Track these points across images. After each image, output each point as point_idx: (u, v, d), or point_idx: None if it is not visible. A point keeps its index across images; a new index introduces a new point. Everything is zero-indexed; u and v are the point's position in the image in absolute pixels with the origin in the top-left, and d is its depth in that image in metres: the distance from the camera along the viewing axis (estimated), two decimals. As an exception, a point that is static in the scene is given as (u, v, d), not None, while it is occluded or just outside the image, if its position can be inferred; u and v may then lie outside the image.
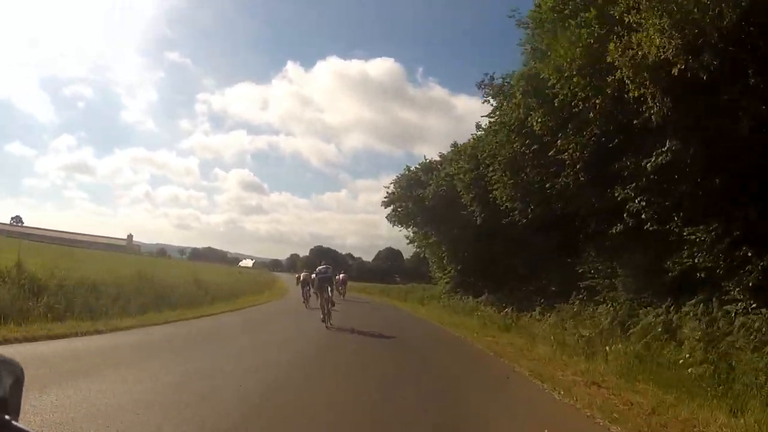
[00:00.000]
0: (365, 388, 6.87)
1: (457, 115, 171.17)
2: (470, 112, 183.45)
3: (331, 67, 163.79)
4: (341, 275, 23.36)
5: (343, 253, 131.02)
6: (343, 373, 7.90)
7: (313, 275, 16.65)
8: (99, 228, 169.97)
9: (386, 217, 32.39)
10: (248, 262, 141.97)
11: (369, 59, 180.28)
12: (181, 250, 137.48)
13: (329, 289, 14.51)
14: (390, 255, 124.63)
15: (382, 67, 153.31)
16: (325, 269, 15.09)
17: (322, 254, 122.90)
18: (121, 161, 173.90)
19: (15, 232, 62.53)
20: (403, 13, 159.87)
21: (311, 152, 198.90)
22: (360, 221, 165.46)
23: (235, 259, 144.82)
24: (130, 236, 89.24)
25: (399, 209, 31.82)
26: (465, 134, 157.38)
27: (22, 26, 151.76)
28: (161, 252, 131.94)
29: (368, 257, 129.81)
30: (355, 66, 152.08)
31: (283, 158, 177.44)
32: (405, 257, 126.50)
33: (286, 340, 11.64)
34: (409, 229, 32.44)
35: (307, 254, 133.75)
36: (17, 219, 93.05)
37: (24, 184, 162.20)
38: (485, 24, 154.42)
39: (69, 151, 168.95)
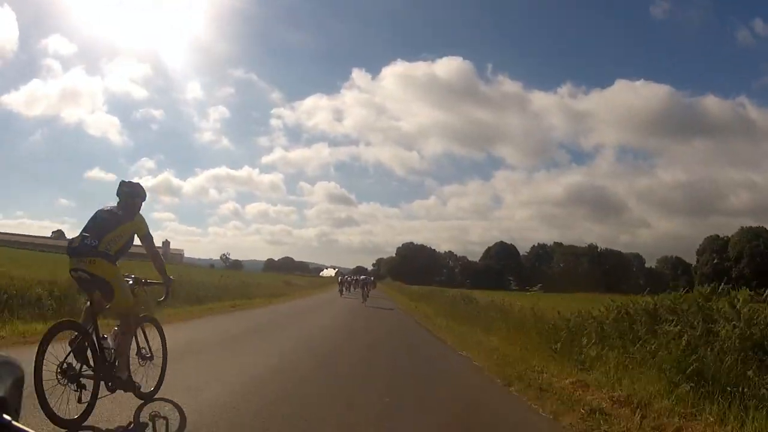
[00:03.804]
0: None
1: (533, 112, 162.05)
2: (546, 109, 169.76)
3: (397, 71, 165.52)
4: (370, 280, 33.42)
5: (442, 252, 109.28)
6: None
7: (358, 278, 36.53)
8: (191, 248, 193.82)
9: None
10: (330, 271, 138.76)
11: (435, 59, 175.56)
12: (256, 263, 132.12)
13: (366, 287, 28.92)
14: (502, 252, 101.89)
15: (450, 66, 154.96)
16: (366, 277, 32.91)
17: (410, 254, 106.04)
18: (205, 181, 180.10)
19: (52, 246, 61.39)
20: (465, 8, 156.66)
21: (393, 161, 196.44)
22: (451, 227, 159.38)
23: (318, 269, 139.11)
24: (166, 243, 78.97)
25: None
26: (543, 132, 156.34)
27: (82, 50, 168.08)
28: (236, 264, 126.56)
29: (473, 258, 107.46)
30: (422, 68, 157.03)
31: (366, 168, 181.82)
32: (522, 253, 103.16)
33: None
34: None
35: (394, 255, 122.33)
36: (58, 233, 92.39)
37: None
38: (553, 14, 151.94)
39: (150, 174, 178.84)
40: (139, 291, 4.75)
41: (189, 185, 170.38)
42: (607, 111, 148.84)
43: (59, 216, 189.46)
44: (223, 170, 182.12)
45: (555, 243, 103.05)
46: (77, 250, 4.22)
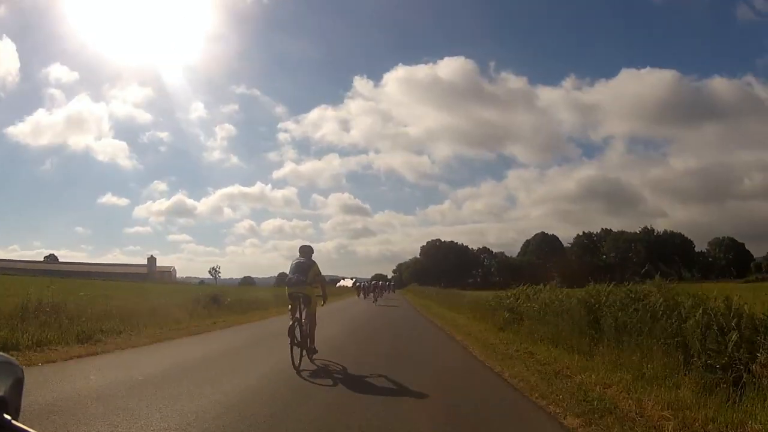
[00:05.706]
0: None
1: (540, 108, 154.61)
2: (553, 103, 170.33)
3: (399, 76, 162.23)
4: (388, 284, 54.65)
5: (475, 249, 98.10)
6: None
7: (371, 283, 44.78)
8: (206, 268, 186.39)
9: None
10: (348, 282, 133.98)
11: (437, 61, 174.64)
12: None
13: (377, 290, 37.93)
14: (543, 246, 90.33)
15: (452, 66, 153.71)
16: (376, 282, 45.03)
17: (436, 253, 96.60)
18: (218, 200, 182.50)
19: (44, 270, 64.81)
20: (462, 6, 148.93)
21: (404, 167, 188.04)
22: (469, 231, 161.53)
23: (335, 280, 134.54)
24: (151, 259, 74.54)
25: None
26: (552, 127, 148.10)
27: (84, 78, 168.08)
28: (247, 280, 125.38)
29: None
30: (424, 71, 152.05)
31: (377, 177, 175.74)
32: (565, 245, 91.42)
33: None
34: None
35: (418, 257, 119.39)
36: (51, 257, 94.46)
37: (125, 233, 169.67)
38: (550, 6, 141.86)
39: (163, 197, 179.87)
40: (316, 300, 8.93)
41: (203, 205, 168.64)
42: (614, 101, 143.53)
43: (77, 244, 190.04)
44: (235, 188, 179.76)
45: (603, 230, 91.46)
46: (295, 283, 8.36)
